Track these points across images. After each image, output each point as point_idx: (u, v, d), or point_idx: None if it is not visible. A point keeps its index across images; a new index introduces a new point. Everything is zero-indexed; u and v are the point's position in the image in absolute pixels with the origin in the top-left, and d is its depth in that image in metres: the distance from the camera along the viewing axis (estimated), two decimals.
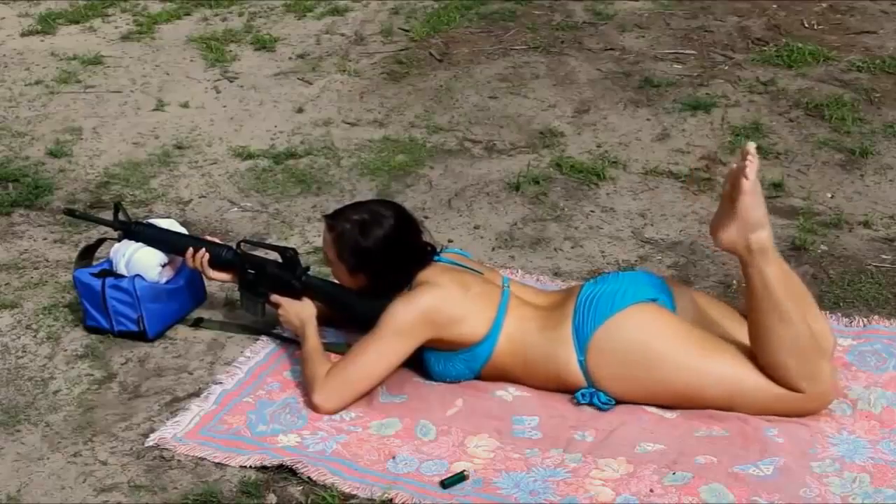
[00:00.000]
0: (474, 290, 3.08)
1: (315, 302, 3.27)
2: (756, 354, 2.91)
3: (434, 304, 3.02)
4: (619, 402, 3.01)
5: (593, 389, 3.00)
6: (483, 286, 3.12)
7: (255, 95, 5.17)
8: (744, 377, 2.92)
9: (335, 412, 3.05)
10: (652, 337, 2.95)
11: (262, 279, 3.34)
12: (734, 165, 2.88)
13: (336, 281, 3.27)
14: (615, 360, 2.96)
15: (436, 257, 3.20)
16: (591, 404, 3.01)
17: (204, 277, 3.51)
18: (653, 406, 3.01)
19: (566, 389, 3.04)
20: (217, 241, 3.47)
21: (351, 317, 3.28)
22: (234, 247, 3.39)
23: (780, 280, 2.87)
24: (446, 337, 3.05)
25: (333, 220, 3.17)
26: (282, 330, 3.41)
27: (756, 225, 2.86)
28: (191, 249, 3.37)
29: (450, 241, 3.88)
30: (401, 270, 3.13)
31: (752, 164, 2.83)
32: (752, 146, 2.84)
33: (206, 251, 3.36)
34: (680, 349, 2.94)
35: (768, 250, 2.87)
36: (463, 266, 3.21)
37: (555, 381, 3.04)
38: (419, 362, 3.14)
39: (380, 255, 3.10)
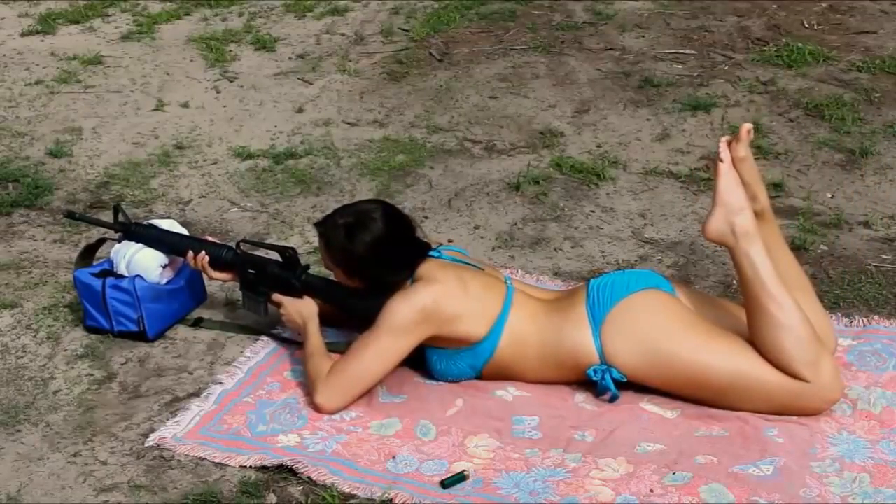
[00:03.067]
0: (474, 286, 3.08)
1: (316, 301, 3.27)
2: (755, 342, 2.94)
3: (432, 302, 3.02)
4: (629, 380, 3.01)
5: (606, 366, 3.00)
6: (485, 282, 3.12)
7: (255, 95, 5.17)
8: (748, 361, 2.93)
9: (337, 412, 3.05)
10: (664, 317, 3.00)
11: (262, 279, 3.34)
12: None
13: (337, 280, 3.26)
14: (629, 334, 2.98)
15: (436, 253, 3.20)
16: (601, 384, 3.01)
17: (205, 277, 3.52)
18: (657, 403, 3.02)
19: (578, 372, 3.04)
20: (217, 241, 3.47)
21: (351, 314, 3.28)
22: (234, 247, 3.39)
23: (768, 263, 2.94)
24: (446, 334, 3.05)
25: (322, 228, 3.17)
26: (282, 330, 3.41)
27: (738, 209, 2.97)
28: (190, 252, 3.37)
29: (450, 240, 3.88)
30: (395, 269, 3.12)
31: (723, 146, 3.00)
32: (745, 126, 3.03)
33: (206, 252, 3.37)
34: (689, 330, 2.98)
35: (752, 235, 2.96)
36: (463, 262, 3.21)
37: (568, 362, 3.04)
38: (421, 360, 3.14)
39: (369, 259, 3.09)
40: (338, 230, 3.11)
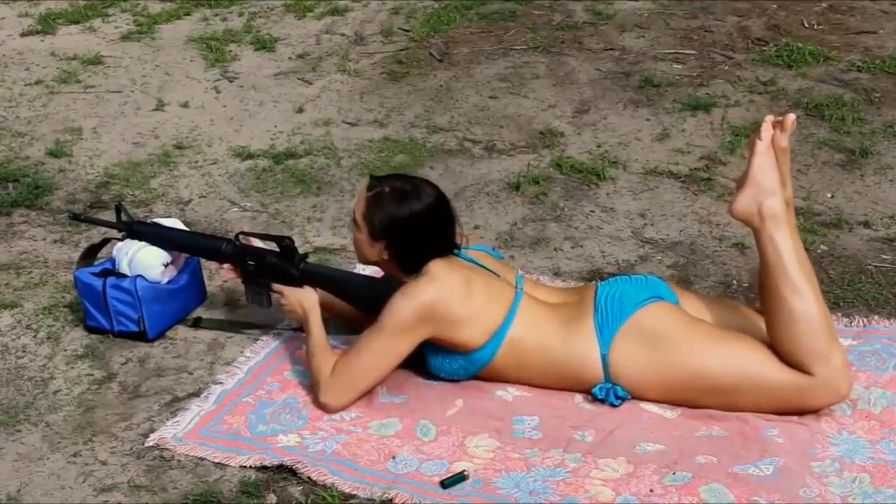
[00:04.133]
0: (479, 292, 3.05)
1: (316, 291, 3.25)
2: (768, 329, 2.93)
3: (434, 300, 3.00)
4: (633, 396, 3.01)
5: (610, 384, 3.00)
6: (491, 288, 3.09)
7: (255, 95, 5.17)
8: (753, 361, 2.93)
9: (341, 409, 3.05)
10: (671, 329, 2.98)
11: (261, 270, 3.32)
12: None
13: (354, 246, 3.20)
14: (637, 352, 2.98)
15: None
16: (606, 400, 3.01)
17: (205, 277, 3.52)
18: (657, 403, 3.02)
19: (580, 385, 3.04)
20: (217, 236, 3.46)
21: (351, 303, 3.27)
22: (233, 239, 3.39)
23: (792, 250, 2.93)
24: (444, 337, 3.04)
25: (376, 180, 3.12)
26: (287, 324, 3.41)
27: (769, 191, 2.95)
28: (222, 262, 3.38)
29: (476, 226, 3.88)
30: (419, 250, 3.07)
31: (766, 127, 2.97)
32: (790, 117, 3.00)
33: (206, 246, 3.36)
34: (693, 340, 2.97)
35: (780, 219, 2.94)
36: (475, 262, 3.17)
37: (571, 376, 3.04)
38: (420, 355, 3.13)
39: (407, 228, 3.05)
40: (391, 189, 3.06)
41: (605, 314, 3.02)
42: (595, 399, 3.02)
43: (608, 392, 3.00)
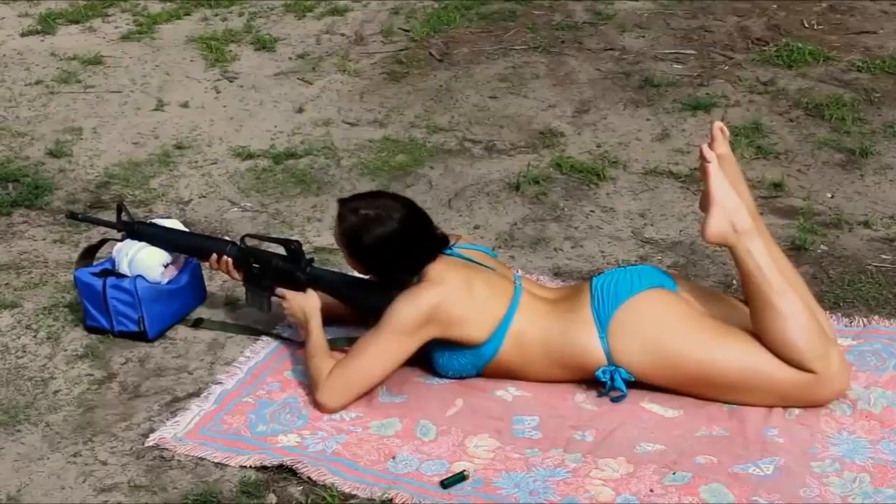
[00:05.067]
0: (480, 288, 3.07)
1: (320, 295, 3.25)
2: (763, 338, 2.93)
3: (437, 304, 3.01)
4: (638, 380, 3.01)
5: (614, 367, 3.00)
6: (491, 284, 3.10)
7: (255, 95, 5.17)
8: (756, 356, 2.93)
9: (338, 411, 3.05)
10: (669, 316, 3.00)
11: (266, 273, 3.32)
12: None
13: (341, 270, 3.24)
14: (635, 335, 2.98)
15: (447, 251, 3.18)
16: (611, 385, 3.01)
17: (205, 277, 3.51)
18: (658, 403, 3.01)
19: (584, 374, 3.05)
20: (221, 237, 3.45)
21: (357, 308, 3.27)
22: (238, 241, 3.39)
23: (769, 257, 2.95)
24: (448, 336, 3.05)
25: (343, 208, 3.16)
26: (282, 329, 3.40)
27: (734, 207, 2.96)
28: (214, 255, 3.35)
29: (476, 226, 3.87)
30: (399, 268, 3.11)
31: (705, 149, 2.99)
32: (716, 125, 3.07)
33: (211, 249, 3.35)
34: (694, 328, 2.98)
35: (752, 230, 2.96)
36: (473, 261, 3.18)
37: (573, 364, 3.04)
38: (423, 354, 3.13)
39: (375, 252, 3.09)
40: (357, 217, 3.11)
41: (601, 300, 3.04)
42: (599, 385, 3.02)
43: (612, 374, 3.00)
